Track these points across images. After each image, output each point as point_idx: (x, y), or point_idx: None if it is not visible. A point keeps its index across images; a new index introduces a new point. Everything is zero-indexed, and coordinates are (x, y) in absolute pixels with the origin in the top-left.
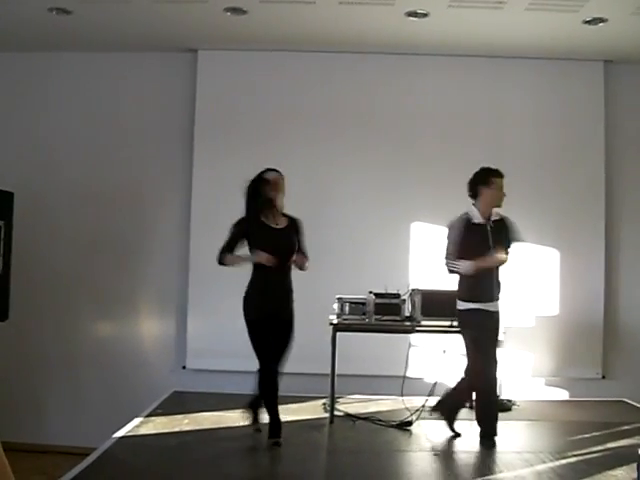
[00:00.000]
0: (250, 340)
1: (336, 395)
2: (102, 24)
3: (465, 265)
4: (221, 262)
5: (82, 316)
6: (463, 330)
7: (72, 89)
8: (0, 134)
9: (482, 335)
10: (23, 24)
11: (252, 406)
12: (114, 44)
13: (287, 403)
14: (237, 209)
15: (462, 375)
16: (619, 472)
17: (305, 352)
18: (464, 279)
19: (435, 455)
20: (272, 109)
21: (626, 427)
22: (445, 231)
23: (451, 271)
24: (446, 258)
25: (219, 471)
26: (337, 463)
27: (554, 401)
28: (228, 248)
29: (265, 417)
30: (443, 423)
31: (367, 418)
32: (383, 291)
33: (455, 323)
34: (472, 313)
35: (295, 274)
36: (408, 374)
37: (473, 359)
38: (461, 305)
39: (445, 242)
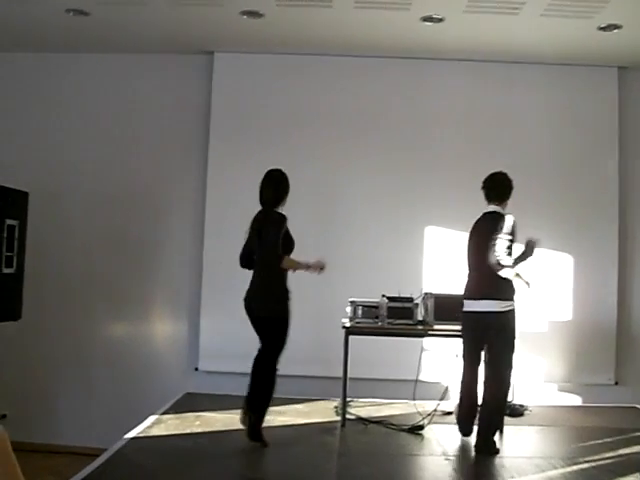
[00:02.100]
0: None
1: (348, 398)
2: (119, 26)
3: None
4: None
5: (95, 317)
6: None
7: (88, 90)
8: (16, 134)
9: (463, 337)
10: (41, 25)
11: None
12: (131, 46)
13: (299, 406)
14: (251, 211)
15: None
16: (630, 478)
17: (317, 355)
18: None
19: (446, 460)
20: (287, 111)
21: (638, 433)
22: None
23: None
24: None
25: (230, 473)
26: (348, 466)
27: (566, 407)
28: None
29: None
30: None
31: (379, 422)
32: (396, 295)
33: None
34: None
35: (308, 277)
36: (420, 378)
37: None
38: None
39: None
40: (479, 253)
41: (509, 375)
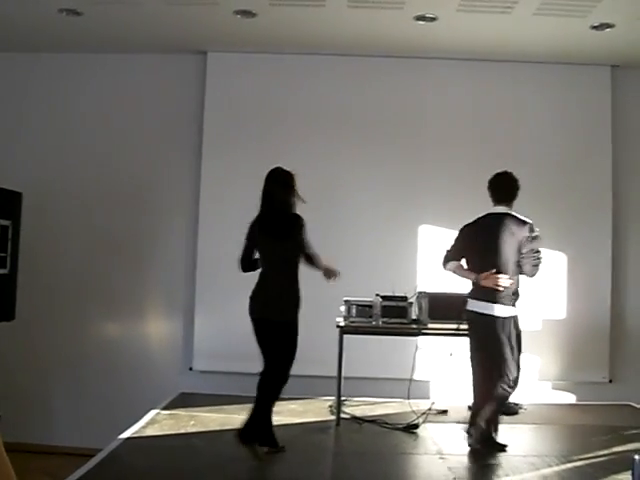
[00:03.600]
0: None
1: (343, 397)
2: (112, 26)
3: None
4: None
5: (89, 317)
6: None
7: (81, 90)
8: (9, 134)
9: (469, 337)
10: (34, 25)
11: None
12: (124, 45)
13: (294, 405)
14: (245, 211)
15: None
16: (625, 476)
17: (312, 354)
18: None
19: (441, 458)
20: (280, 111)
21: (633, 431)
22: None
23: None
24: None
25: (225, 473)
26: (343, 465)
27: (561, 405)
28: (245, 255)
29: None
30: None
31: (373, 421)
32: (390, 294)
33: (462, 326)
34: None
35: (303, 275)
36: (415, 377)
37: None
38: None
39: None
40: (505, 255)
41: None
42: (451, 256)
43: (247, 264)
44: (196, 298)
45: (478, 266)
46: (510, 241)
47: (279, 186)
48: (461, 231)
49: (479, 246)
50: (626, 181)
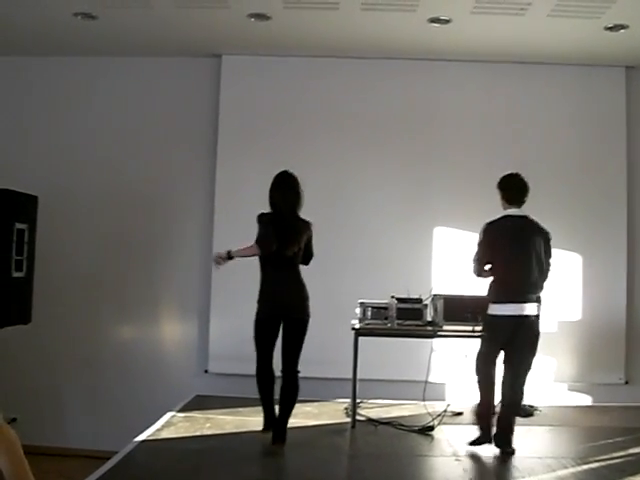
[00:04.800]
0: (254, 338)
1: (358, 400)
2: (127, 29)
3: None
4: None
5: (104, 319)
6: None
7: (97, 94)
8: (24, 138)
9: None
10: (49, 29)
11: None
12: (139, 49)
13: (309, 407)
14: (259, 212)
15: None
16: None
17: (327, 356)
18: None
19: (457, 460)
20: (294, 114)
21: None
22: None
23: None
24: None
25: (241, 475)
26: (359, 468)
27: (576, 406)
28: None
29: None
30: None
31: (389, 423)
32: (405, 296)
33: (477, 328)
34: None
35: (318, 279)
36: (430, 379)
37: None
38: None
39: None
40: (530, 258)
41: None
42: (481, 264)
43: (270, 242)
44: (211, 300)
45: (514, 270)
46: (545, 246)
47: (289, 190)
48: (485, 232)
49: (514, 249)
50: None
